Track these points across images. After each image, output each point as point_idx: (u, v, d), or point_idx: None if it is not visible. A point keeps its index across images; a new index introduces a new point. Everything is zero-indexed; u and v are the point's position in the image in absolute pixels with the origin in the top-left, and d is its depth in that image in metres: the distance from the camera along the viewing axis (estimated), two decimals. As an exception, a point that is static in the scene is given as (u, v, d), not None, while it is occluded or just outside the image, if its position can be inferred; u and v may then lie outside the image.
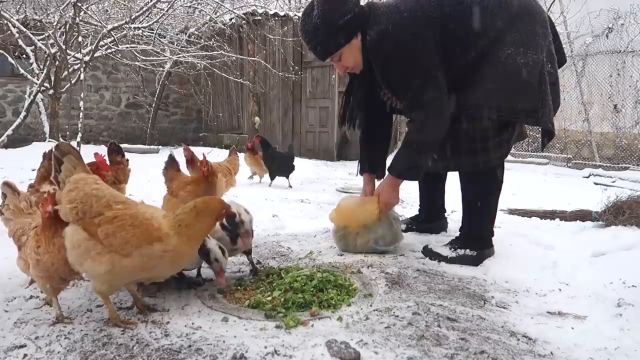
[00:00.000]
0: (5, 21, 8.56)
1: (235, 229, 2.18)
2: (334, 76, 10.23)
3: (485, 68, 2.50)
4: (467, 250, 2.73)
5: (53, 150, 1.84)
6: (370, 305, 2.09)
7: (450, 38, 2.49)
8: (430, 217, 3.47)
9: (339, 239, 2.98)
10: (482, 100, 2.51)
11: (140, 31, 9.63)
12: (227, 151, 5.82)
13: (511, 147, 2.91)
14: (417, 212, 3.56)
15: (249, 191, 5.63)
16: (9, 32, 8.94)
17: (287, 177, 6.20)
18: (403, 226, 3.31)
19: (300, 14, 10.68)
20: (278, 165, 6.15)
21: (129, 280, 1.88)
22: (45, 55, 8.81)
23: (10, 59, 9.94)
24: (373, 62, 2.64)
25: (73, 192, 1.80)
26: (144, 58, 10.61)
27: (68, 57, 7.96)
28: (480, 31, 2.49)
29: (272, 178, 6.21)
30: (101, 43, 8.66)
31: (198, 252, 2.00)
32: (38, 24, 9.79)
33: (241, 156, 5.68)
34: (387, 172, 2.87)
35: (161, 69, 11.83)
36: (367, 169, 3.12)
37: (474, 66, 2.53)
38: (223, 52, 10.60)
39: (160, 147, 11.18)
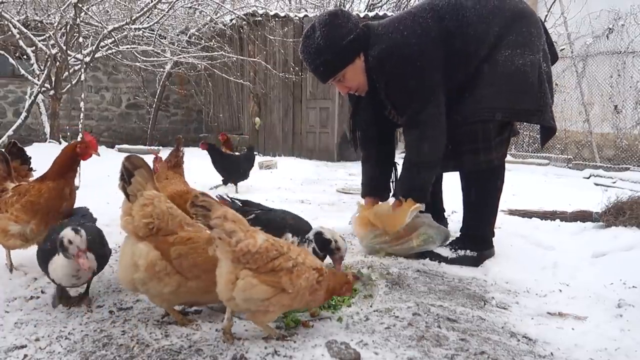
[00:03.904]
0: (6, 22, 8.56)
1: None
2: (334, 77, 10.22)
3: (486, 71, 2.53)
4: (468, 251, 2.73)
5: (123, 161, 1.84)
6: (371, 306, 2.09)
7: (452, 51, 2.52)
8: (429, 218, 3.46)
9: (373, 239, 2.92)
10: (486, 103, 2.52)
11: (141, 32, 9.64)
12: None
13: (509, 145, 2.93)
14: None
15: (248, 192, 5.63)
16: (10, 32, 8.94)
17: (235, 184, 5.66)
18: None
19: (300, 15, 10.72)
20: (230, 171, 5.59)
21: (188, 301, 1.91)
22: (46, 56, 8.80)
23: (11, 60, 9.94)
24: (377, 80, 2.66)
25: (148, 208, 1.80)
26: (145, 59, 10.61)
27: (69, 57, 7.95)
28: (480, 40, 2.52)
29: (229, 183, 5.65)
30: (102, 44, 8.66)
31: (318, 240, 2.22)
32: (39, 24, 9.78)
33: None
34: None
35: (162, 69, 11.82)
36: (369, 193, 3.10)
37: (475, 71, 2.55)
38: (223, 53, 10.60)
39: (160, 147, 11.18)
